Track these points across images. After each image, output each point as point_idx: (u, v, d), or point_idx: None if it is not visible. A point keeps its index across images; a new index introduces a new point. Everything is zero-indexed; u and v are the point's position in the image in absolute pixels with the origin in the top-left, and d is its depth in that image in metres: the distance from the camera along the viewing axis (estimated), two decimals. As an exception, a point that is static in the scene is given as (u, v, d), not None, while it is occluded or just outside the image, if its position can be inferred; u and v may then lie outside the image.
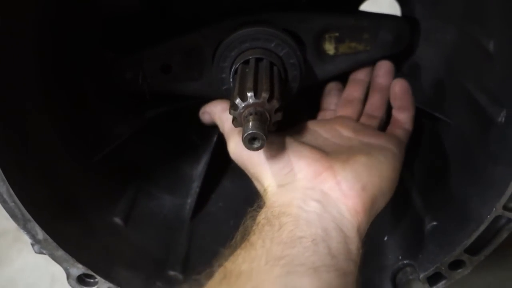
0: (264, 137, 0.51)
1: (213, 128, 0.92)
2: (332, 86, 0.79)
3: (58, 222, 0.60)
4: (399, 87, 0.71)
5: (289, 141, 0.61)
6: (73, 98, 0.72)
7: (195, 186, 0.86)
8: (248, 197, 0.88)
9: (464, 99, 0.64)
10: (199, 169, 0.91)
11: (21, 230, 0.58)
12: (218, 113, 0.69)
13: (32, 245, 0.60)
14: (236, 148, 0.63)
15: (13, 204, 0.55)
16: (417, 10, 0.77)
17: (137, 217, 0.74)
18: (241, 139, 0.52)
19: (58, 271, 0.61)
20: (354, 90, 0.75)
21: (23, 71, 0.59)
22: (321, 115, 0.77)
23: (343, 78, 0.79)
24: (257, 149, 0.51)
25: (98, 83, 0.77)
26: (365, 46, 0.73)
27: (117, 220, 0.71)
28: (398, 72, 0.78)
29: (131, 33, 0.79)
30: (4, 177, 0.53)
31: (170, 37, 0.74)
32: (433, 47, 0.74)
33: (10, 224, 1.60)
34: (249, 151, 0.53)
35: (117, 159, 0.77)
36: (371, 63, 0.74)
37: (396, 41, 0.73)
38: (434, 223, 0.64)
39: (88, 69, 0.75)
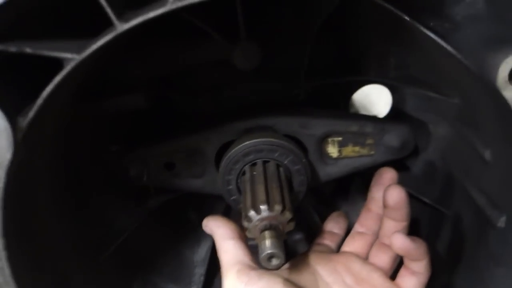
0: (282, 255, 0.53)
1: (214, 207, 0.94)
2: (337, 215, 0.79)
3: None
4: (404, 244, 0.59)
5: (288, 285, 0.58)
6: (78, 197, 0.72)
7: (199, 273, 0.86)
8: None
9: (461, 195, 0.67)
10: (201, 252, 0.91)
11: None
12: (219, 239, 0.65)
13: None
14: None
15: (28, 326, 0.55)
16: (408, 101, 0.81)
17: (145, 315, 0.74)
18: (235, 276, 0.56)
19: None
20: (369, 218, 0.71)
21: (36, 189, 0.59)
22: (325, 238, 0.75)
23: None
24: (276, 267, 0.53)
25: (102, 179, 0.78)
26: (369, 151, 0.73)
27: (127, 321, 0.70)
28: (395, 161, 0.81)
29: (136, 129, 0.81)
30: None
31: (174, 134, 0.76)
32: (427, 139, 0.77)
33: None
34: None
35: (123, 253, 0.77)
36: (376, 166, 0.75)
37: (401, 148, 0.74)
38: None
39: (92, 165, 0.76)
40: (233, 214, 0.96)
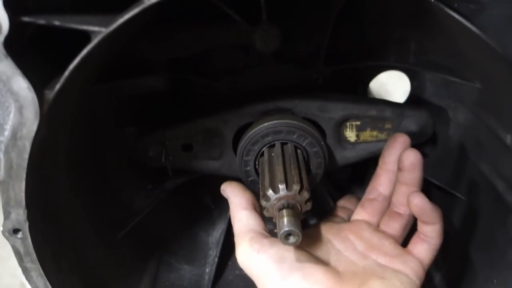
0: (299, 233, 0.53)
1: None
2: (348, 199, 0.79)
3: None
4: (422, 202, 0.59)
5: (302, 257, 0.58)
6: (97, 177, 0.73)
7: (213, 255, 0.88)
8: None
9: (480, 181, 0.67)
10: (215, 235, 0.92)
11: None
12: (233, 207, 0.65)
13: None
14: (245, 255, 0.59)
15: (49, 297, 0.56)
16: (427, 87, 0.80)
17: (160, 292, 0.76)
18: (248, 244, 0.57)
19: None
20: (379, 183, 0.69)
21: (57, 163, 0.60)
22: (337, 211, 0.76)
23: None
24: (293, 244, 0.53)
25: (120, 159, 0.79)
26: (387, 135, 0.73)
27: (142, 298, 0.72)
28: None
29: (154, 111, 0.81)
30: (42, 271, 0.54)
31: (192, 117, 0.77)
32: (446, 125, 0.77)
33: (14, 280, 1.58)
34: (258, 262, 0.56)
35: (138, 233, 0.78)
36: None
37: (419, 133, 0.74)
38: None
39: (110, 145, 0.77)
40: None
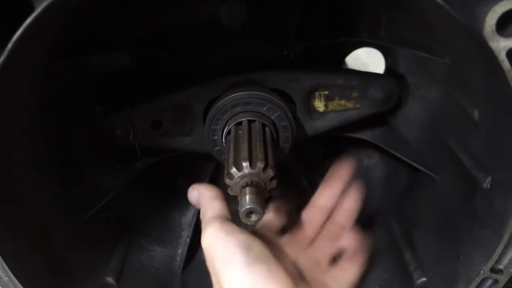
0: (261, 211, 0.52)
1: (202, 172, 0.94)
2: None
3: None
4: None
5: (268, 252, 0.57)
6: (63, 156, 0.71)
7: (185, 236, 0.87)
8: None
9: (449, 158, 0.66)
10: (189, 215, 0.91)
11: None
12: (205, 199, 0.66)
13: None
14: (213, 236, 0.59)
15: (7, 278, 0.54)
16: (400, 64, 0.79)
17: (129, 273, 0.74)
18: (219, 226, 0.56)
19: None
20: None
21: (14, 138, 0.58)
22: None
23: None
24: (255, 222, 0.53)
25: (87, 139, 0.77)
26: (355, 104, 0.74)
27: (110, 279, 0.70)
28: (385, 124, 0.80)
29: (121, 89, 0.79)
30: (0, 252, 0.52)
31: (160, 93, 0.75)
32: (418, 102, 0.76)
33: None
34: (225, 243, 0.55)
35: (107, 214, 0.77)
36: (361, 120, 0.76)
37: (385, 100, 0.75)
38: (424, 279, 0.66)
39: (76, 124, 0.75)
40: (221, 179, 0.95)
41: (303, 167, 0.92)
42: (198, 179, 0.93)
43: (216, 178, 0.93)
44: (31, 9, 0.41)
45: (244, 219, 0.52)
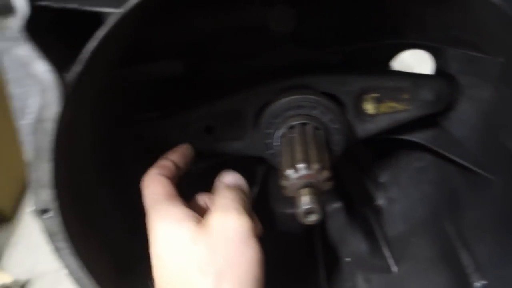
0: (320, 210, 0.53)
1: (251, 177, 0.96)
2: None
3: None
4: None
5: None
6: (116, 164, 0.75)
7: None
8: (285, 243, 0.92)
9: (506, 158, 0.65)
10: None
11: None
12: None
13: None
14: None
15: (81, 275, 0.58)
16: (450, 65, 0.78)
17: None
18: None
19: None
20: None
21: (82, 146, 0.62)
22: None
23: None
24: (313, 222, 0.54)
25: (142, 146, 0.80)
26: (406, 106, 0.74)
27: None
28: (436, 126, 0.79)
29: (172, 96, 0.82)
30: (73, 250, 0.56)
31: (213, 98, 0.77)
32: (470, 102, 0.75)
33: (50, 266, 1.64)
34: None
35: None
36: (412, 121, 0.75)
37: (436, 101, 0.74)
38: (483, 281, 0.65)
39: (131, 131, 0.78)
40: (270, 182, 0.97)
41: (352, 170, 0.92)
42: (249, 184, 0.95)
43: (266, 181, 0.95)
44: (102, 22, 0.44)
45: (302, 219, 0.53)
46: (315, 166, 0.57)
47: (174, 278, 0.54)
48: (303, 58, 0.76)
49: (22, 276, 1.63)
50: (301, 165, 0.57)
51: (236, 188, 0.64)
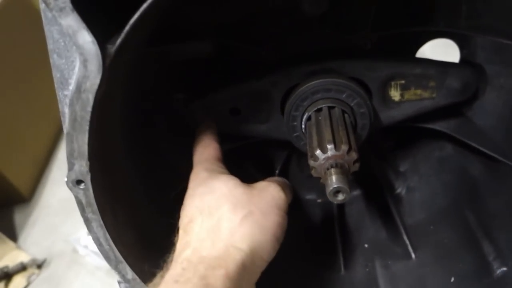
0: (348, 190, 0.54)
1: (273, 160, 0.97)
2: None
3: (143, 262, 0.64)
4: None
5: None
6: (145, 140, 0.76)
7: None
8: (305, 228, 0.93)
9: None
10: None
11: (112, 270, 0.62)
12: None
13: (119, 283, 0.65)
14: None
15: (108, 247, 0.59)
16: (478, 54, 0.78)
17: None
18: None
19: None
20: None
21: (113, 120, 0.63)
22: None
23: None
24: (342, 201, 0.55)
25: (169, 125, 0.81)
26: (431, 94, 0.74)
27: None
28: (460, 115, 0.80)
29: (200, 77, 0.83)
30: (102, 222, 0.57)
31: (237, 81, 0.78)
32: (497, 92, 0.75)
33: (67, 246, 1.67)
34: None
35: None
36: (437, 109, 0.76)
37: (463, 89, 0.74)
38: (504, 268, 0.65)
39: (159, 111, 0.79)
40: (291, 167, 0.98)
41: (372, 158, 0.92)
42: (269, 168, 0.96)
43: (287, 166, 0.95)
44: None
45: (331, 198, 0.54)
46: (344, 147, 0.58)
47: (206, 210, 0.59)
48: (332, 42, 0.76)
49: (39, 256, 1.66)
50: (329, 146, 0.58)
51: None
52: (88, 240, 1.58)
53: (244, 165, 0.98)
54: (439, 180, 0.89)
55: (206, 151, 0.71)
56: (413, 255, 0.83)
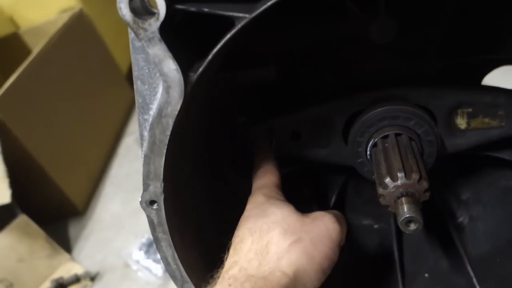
0: (421, 220, 0.53)
1: (330, 186, 0.96)
2: None
3: (205, 282, 0.65)
4: None
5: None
6: (211, 163, 0.78)
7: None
8: (362, 254, 0.91)
9: None
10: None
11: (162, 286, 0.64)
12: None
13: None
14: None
15: (175, 266, 0.61)
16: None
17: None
18: None
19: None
20: None
21: (185, 144, 0.65)
22: None
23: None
24: (413, 231, 0.54)
25: (231, 149, 0.83)
26: (500, 122, 0.72)
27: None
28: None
29: (262, 101, 0.85)
30: (171, 242, 0.59)
31: (302, 105, 0.79)
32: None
33: (119, 260, 1.71)
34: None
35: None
36: (504, 139, 0.73)
37: None
38: None
39: (223, 135, 0.81)
40: (349, 192, 0.97)
41: (434, 185, 0.90)
42: (326, 193, 0.96)
43: (344, 191, 0.95)
44: (230, 26, 0.47)
45: (403, 227, 0.54)
46: (415, 175, 0.57)
47: (257, 233, 0.59)
48: (398, 69, 0.76)
49: (92, 268, 1.71)
50: (400, 174, 0.57)
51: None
52: (140, 255, 1.63)
53: (301, 189, 0.98)
54: (505, 210, 0.86)
55: (265, 177, 0.72)
56: (478, 288, 0.80)
